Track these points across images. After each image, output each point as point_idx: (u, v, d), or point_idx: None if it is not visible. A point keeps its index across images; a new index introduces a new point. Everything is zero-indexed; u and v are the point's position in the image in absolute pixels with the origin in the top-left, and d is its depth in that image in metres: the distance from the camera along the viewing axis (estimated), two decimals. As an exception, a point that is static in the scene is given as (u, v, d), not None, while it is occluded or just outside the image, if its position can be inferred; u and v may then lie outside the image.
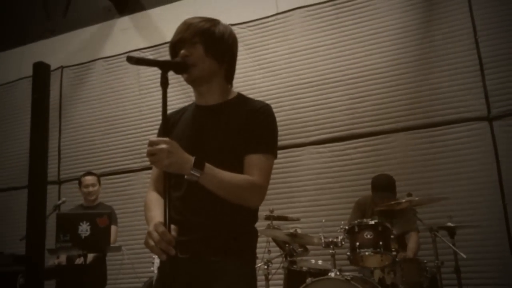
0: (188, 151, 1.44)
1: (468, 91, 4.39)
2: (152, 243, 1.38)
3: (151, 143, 1.37)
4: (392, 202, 3.57)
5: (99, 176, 4.75)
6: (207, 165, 1.43)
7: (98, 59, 6.09)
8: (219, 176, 1.47)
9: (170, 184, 1.47)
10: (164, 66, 1.45)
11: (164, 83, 1.43)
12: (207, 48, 1.60)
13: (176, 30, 1.65)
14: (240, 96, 1.72)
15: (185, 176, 1.44)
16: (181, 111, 1.78)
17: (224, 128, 1.61)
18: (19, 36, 6.68)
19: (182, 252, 1.52)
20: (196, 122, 1.67)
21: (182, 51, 1.59)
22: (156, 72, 5.74)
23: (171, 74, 1.48)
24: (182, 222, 1.55)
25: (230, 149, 1.58)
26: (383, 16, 4.82)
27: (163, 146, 1.35)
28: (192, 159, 1.41)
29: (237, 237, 1.58)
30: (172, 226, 1.42)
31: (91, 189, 4.50)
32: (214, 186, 1.48)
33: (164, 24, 5.70)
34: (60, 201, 4.32)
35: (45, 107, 2.45)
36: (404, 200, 3.43)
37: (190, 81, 1.64)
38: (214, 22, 1.66)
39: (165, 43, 5.55)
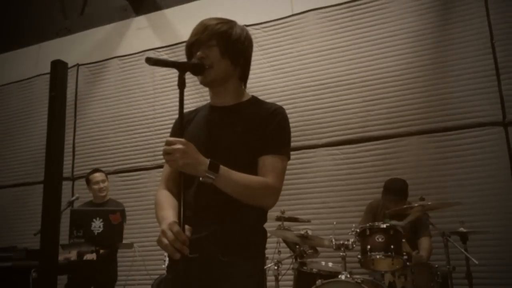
0: (201, 151, 1.45)
1: (483, 96, 4.35)
2: (166, 241, 1.39)
3: (168, 143, 1.39)
4: (405, 206, 3.56)
5: (106, 173, 4.79)
6: (222, 167, 1.45)
7: (114, 57, 6.15)
8: (234, 178, 1.49)
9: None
10: (182, 68, 1.47)
11: (182, 84, 1.45)
12: (224, 51, 1.61)
13: (193, 31, 1.66)
14: (254, 99, 1.74)
15: (200, 178, 1.45)
16: (195, 111, 1.80)
17: (237, 128, 1.63)
18: (36, 33, 6.78)
19: (191, 251, 1.51)
20: (210, 122, 1.69)
21: (199, 53, 1.61)
22: (170, 71, 5.79)
23: (187, 76, 1.50)
24: (191, 219, 1.54)
25: (242, 149, 1.60)
26: (398, 19, 4.80)
27: (179, 146, 1.37)
28: (207, 161, 1.43)
29: (247, 237, 1.59)
30: (186, 226, 1.43)
31: (101, 185, 4.52)
32: (229, 188, 1.50)
33: (179, 24, 5.74)
34: (73, 197, 4.35)
35: (62, 105, 2.49)
36: (416, 204, 3.42)
37: (205, 83, 1.66)
38: (231, 24, 1.67)
39: (181, 42, 5.59)
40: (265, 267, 1.75)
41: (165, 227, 1.42)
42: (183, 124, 1.51)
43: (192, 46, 1.64)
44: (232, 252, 1.55)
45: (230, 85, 1.69)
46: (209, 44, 1.60)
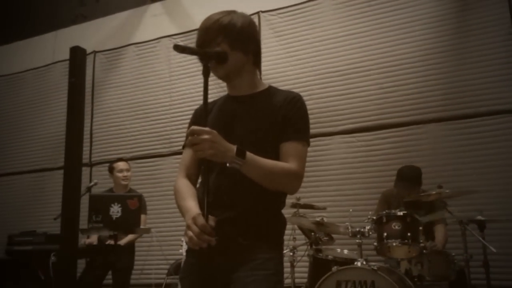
0: (225, 137, 1.47)
1: (502, 83, 4.28)
2: (191, 234, 1.43)
3: (193, 132, 1.41)
4: (421, 194, 3.54)
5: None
6: (249, 153, 1.47)
7: (130, 44, 6.17)
8: (260, 164, 1.51)
9: (201, 169, 1.55)
10: (205, 56, 1.50)
11: (206, 73, 1.48)
12: (232, 44, 1.61)
13: (197, 35, 1.67)
14: (271, 88, 1.75)
15: (227, 165, 1.47)
16: (213, 103, 1.81)
17: (256, 116, 1.64)
18: (52, 21, 6.82)
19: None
20: (229, 111, 1.71)
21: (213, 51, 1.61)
22: (186, 58, 5.78)
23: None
24: (212, 204, 1.56)
25: (261, 138, 1.61)
26: (416, 4, 4.73)
27: (206, 136, 1.40)
28: (234, 148, 1.45)
29: (266, 221, 1.61)
30: (210, 216, 1.46)
31: (125, 173, 4.54)
32: (255, 173, 1.52)
33: (195, 10, 5.73)
34: (92, 183, 4.40)
35: (82, 90, 2.52)
36: (434, 192, 3.40)
37: (222, 77, 1.68)
38: (231, 15, 1.65)
39: (196, 29, 5.57)
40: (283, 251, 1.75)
41: (190, 221, 1.46)
42: (207, 113, 1.52)
43: (201, 46, 1.64)
44: (252, 236, 1.57)
45: (246, 73, 1.70)
46: (216, 42, 1.61)
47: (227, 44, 1.60)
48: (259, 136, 1.61)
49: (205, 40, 1.62)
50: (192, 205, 1.56)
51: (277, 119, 1.62)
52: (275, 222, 1.66)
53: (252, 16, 1.74)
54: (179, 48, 1.46)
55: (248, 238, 1.57)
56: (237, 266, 1.56)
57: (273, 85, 1.78)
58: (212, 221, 1.47)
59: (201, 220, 1.43)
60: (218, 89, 4.78)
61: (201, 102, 1.51)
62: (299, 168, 1.59)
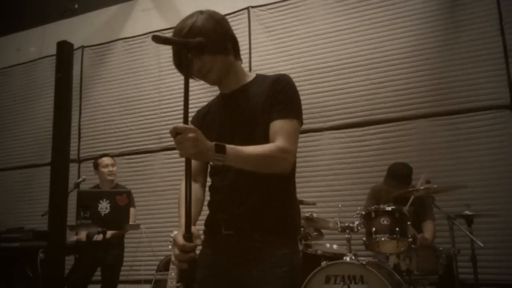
0: (221, 139, 1.46)
1: (491, 79, 4.31)
2: (173, 258, 1.45)
3: (177, 130, 1.34)
4: (410, 189, 3.56)
5: (112, 155, 4.80)
6: (228, 146, 1.44)
7: (119, 39, 6.12)
8: (242, 153, 1.47)
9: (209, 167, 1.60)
10: (188, 46, 1.46)
11: (187, 64, 1.44)
12: (212, 51, 1.60)
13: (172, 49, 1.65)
14: (258, 76, 1.76)
15: (210, 163, 1.47)
16: (209, 104, 1.83)
17: (249, 107, 1.65)
18: (40, 15, 6.73)
19: (226, 228, 1.60)
20: (223, 108, 1.72)
21: (195, 66, 1.61)
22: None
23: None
24: (222, 202, 1.62)
25: (259, 126, 1.61)
26: (406, 0, 4.74)
27: (191, 135, 1.34)
28: (213, 145, 1.41)
29: (279, 214, 1.61)
30: (194, 229, 1.46)
31: (111, 168, 4.52)
32: (241, 163, 1.49)
33: (184, 5, 5.67)
34: (80, 179, 4.37)
35: (69, 86, 2.49)
36: (422, 187, 3.42)
37: (213, 84, 1.70)
38: (196, 21, 1.62)
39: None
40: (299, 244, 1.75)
41: (173, 244, 1.47)
42: (188, 108, 1.45)
43: (181, 63, 1.62)
44: (267, 231, 1.57)
45: (232, 71, 1.71)
46: (195, 54, 1.58)
47: (207, 53, 1.60)
48: (257, 126, 1.61)
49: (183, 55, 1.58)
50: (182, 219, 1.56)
51: (266, 105, 1.62)
52: (289, 215, 1.65)
53: (241, 12, 1.73)
54: (158, 39, 1.41)
55: (263, 234, 1.57)
56: (252, 263, 1.56)
57: (263, 80, 1.77)
58: (196, 235, 1.45)
59: (180, 241, 1.41)
60: (206, 84, 4.79)
61: (192, 99, 1.50)
62: (286, 144, 1.55)
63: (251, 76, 1.75)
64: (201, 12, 1.66)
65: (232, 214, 1.59)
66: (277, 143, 1.54)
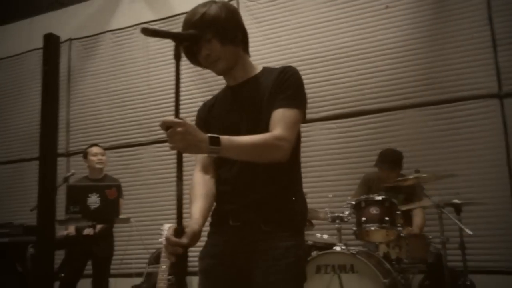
0: (225, 132, 1.45)
1: (479, 68, 4.33)
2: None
3: (166, 124, 1.34)
4: (400, 179, 3.58)
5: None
6: (223, 137, 1.42)
7: (107, 31, 6.06)
8: (237, 143, 1.46)
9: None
10: (178, 38, 1.45)
11: (178, 56, 1.42)
12: (222, 39, 1.61)
13: (183, 29, 1.62)
14: (265, 69, 1.75)
15: (206, 155, 1.46)
16: (215, 96, 1.82)
17: (256, 99, 1.64)
18: (27, 7, 6.64)
19: (233, 220, 1.61)
20: (229, 101, 1.72)
21: (202, 52, 1.61)
22: (164, 45, 5.72)
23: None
24: (230, 193, 1.63)
25: (264, 116, 1.60)
26: (395, -10, 4.74)
27: (179, 129, 1.33)
28: (207, 137, 1.39)
29: (286, 205, 1.61)
30: (190, 228, 1.47)
31: (100, 157, 4.48)
32: (236, 154, 1.49)
33: (173, -4, 5.65)
34: (69, 173, 4.35)
35: (56, 79, 2.45)
36: (411, 177, 3.44)
37: (220, 73, 1.70)
38: (211, 7, 1.61)
39: (174, 15, 5.51)
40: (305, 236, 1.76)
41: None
42: (179, 101, 1.44)
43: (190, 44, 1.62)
44: (273, 222, 1.58)
45: (240, 62, 1.70)
46: (206, 39, 1.59)
47: (217, 41, 1.60)
48: (261, 119, 1.60)
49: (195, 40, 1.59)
50: (193, 212, 1.58)
51: (271, 96, 1.62)
52: (295, 206, 1.65)
53: (231, 3, 1.71)
54: (148, 32, 1.39)
55: (270, 225, 1.57)
56: (259, 254, 1.57)
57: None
58: (189, 231, 1.46)
59: (168, 232, 1.44)
60: (193, 72, 4.77)
61: (183, 92, 1.47)
62: (282, 132, 1.53)
63: (258, 68, 1.75)
64: (214, 1, 1.65)
65: (239, 205, 1.60)
66: (274, 131, 1.54)
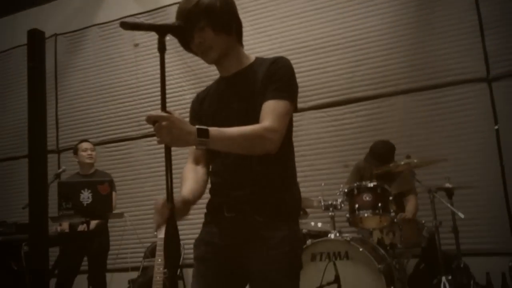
0: (217, 123, 1.46)
1: (467, 52, 4.35)
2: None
3: (152, 119, 1.33)
4: (391, 165, 3.60)
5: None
6: (212, 129, 1.41)
7: (92, 25, 5.99)
8: (227, 135, 1.45)
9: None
10: (162, 30, 1.41)
11: (162, 48, 1.39)
12: (216, 28, 1.60)
13: (177, 18, 1.61)
14: (258, 59, 1.74)
15: (195, 147, 1.44)
16: (208, 88, 1.81)
17: (247, 92, 1.63)
18: (10, 3, 6.54)
19: (228, 211, 1.61)
20: (221, 93, 1.71)
21: (195, 39, 1.60)
22: (151, 38, 5.67)
23: (168, 42, 1.45)
24: (223, 185, 1.64)
25: (255, 107, 1.59)
26: (381, -24, 4.72)
27: (164, 123, 1.32)
28: (194, 129, 1.38)
29: (280, 196, 1.61)
30: (178, 199, 1.47)
31: (90, 152, 4.49)
32: (226, 146, 1.48)
33: (158, -12, 5.59)
34: (60, 170, 4.30)
35: (42, 75, 2.43)
36: (402, 163, 3.46)
37: (211, 63, 1.69)
38: None
39: (160, 7, 5.47)
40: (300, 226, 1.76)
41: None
42: (165, 95, 1.41)
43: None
44: (268, 213, 1.58)
45: (232, 53, 1.69)
46: (199, 27, 1.58)
47: (211, 29, 1.59)
48: (254, 111, 1.59)
49: (186, 25, 1.57)
50: (182, 192, 1.59)
51: (262, 87, 1.61)
52: (289, 196, 1.65)
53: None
54: (127, 25, 1.36)
55: (265, 216, 1.58)
56: (254, 244, 1.57)
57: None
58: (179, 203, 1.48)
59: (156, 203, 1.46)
60: (181, 63, 4.73)
61: (171, 84, 1.46)
62: (273, 122, 1.52)
63: (251, 59, 1.74)
64: None
65: (233, 197, 1.61)
66: (263, 123, 1.53)
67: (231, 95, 1.66)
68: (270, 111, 1.55)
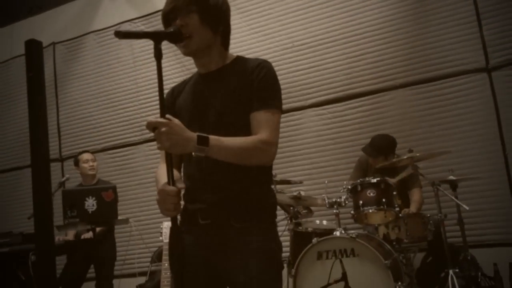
0: (193, 121, 1.45)
1: (465, 43, 4.33)
2: (160, 202, 1.41)
3: (151, 125, 1.34)
4: (394, 160, 3.59)
5: (94, 151, 4.76)
6: (212, 137, 1.41)
7: (90, 32, 6.00)
8: (226, 145, 1.46)
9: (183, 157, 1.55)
10: (157, 37, 1.40)
11: (158, 55, 1.38)
12: (203, 17, 1.56)
13: (166, 0, 1.60)
14: (238, 58, 1.71)
15: (193, 154, 1.43)
16: (185, 82, 1.78)
17: (225, 91, 1.61)
18: (7, 14, 6.55)
19: (203, 218, 1.58)
20: (198, 89, 1.67)
21: (178, 21, 1.55)
22: (150, 43, 5.65)
23: (166, 46, 1.45)
24: (197, 190, 1.60)
25: (234, 111, 1.58)
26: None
27: (163, 129, 1.32)
28: (195, 136, 1.38)
29: (256, 200, 1.59)
30: (178, 180, 1.43)
31: (91, 163, 4.49)
32: (223, 156, 1.48)
33: (154, -7, 5.59)
34: (64, 178, 4.32)
35: (41, 84, 2.44)
36: (405, 157, 3.45)
37: (188, 53, 1.62)
38: None
39: (157, 11, 5.47)
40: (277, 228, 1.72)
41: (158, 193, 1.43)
42: (163, 99, 1.42)
43: (169, 14, 1.57)
44: (244, 218, 1.56)
45: (213, 52, 1.65)
46: (187, 10, 1.54)
47: (198, 16, 1.55)
48: (231, 111, 1.58)
49: (176, 6, 1.55)
50: (163, 181, 1.51)
51: (245, 90, 1.59)
52: (266, 200, 1.64)
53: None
54: (121, 34, 1.35)
55: (241, 221, 1.55)
56: (232, 251, 1.55)
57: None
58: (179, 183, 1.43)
59: (164, 187, 1.39)
60: (180, 68, 4.73)
61: (169, 86, 1.47)
62: (269, 135, 1.54)
63: (231, 57, 1.70)
64: None
65: (208, 203, 1.57)
66: (260, 135, 1.53)
67: (208, 93, 1.63)
68: (264, 122, 1.55)
